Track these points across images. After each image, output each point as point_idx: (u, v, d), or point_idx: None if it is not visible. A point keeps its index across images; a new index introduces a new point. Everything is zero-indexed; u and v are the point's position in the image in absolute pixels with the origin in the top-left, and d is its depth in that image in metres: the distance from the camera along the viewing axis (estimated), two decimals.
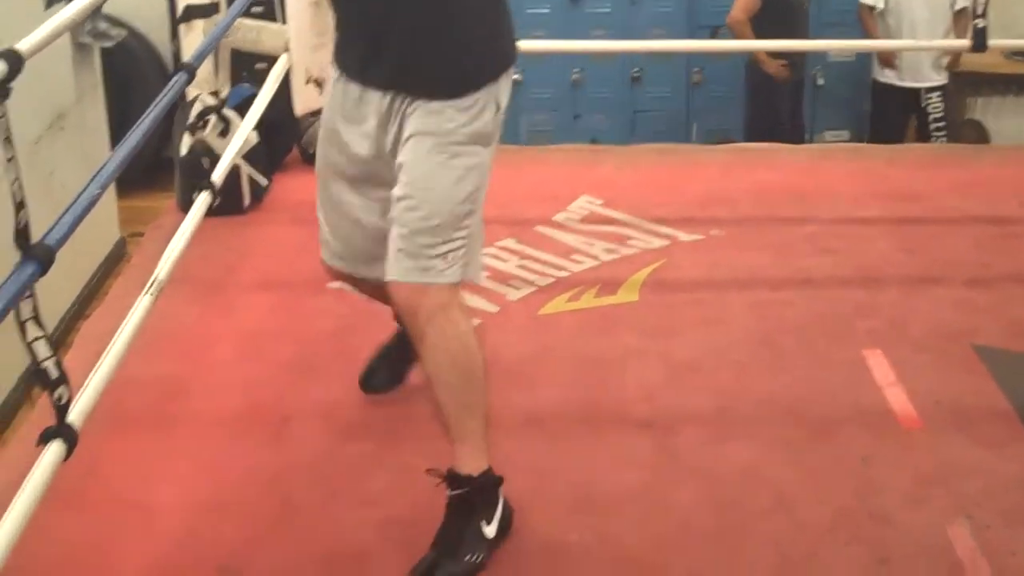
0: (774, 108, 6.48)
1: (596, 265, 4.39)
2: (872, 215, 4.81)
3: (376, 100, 2.80)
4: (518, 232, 4.53)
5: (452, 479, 2.81)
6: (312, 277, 4.20)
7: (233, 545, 2.95)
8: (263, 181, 4.88)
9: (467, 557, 2.79)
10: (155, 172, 5.68)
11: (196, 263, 3.79)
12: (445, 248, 2.69)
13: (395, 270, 2.72)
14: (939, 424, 3.43)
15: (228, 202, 4.41)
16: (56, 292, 4.09)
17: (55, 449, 2.41)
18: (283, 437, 3.38)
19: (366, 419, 3.45)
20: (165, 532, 2.99)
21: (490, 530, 2.83)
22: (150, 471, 3.23)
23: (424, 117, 2.72)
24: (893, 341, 3.85)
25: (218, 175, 3.77)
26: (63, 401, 2.45)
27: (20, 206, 2.31)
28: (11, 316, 2.28)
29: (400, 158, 2.74)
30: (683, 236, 4.60)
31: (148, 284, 3.01)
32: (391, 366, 3.48)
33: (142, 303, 2.95)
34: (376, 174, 2.88)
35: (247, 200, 4.82)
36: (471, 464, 2.81)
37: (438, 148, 2.70)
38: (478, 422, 2.80)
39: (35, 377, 2.41)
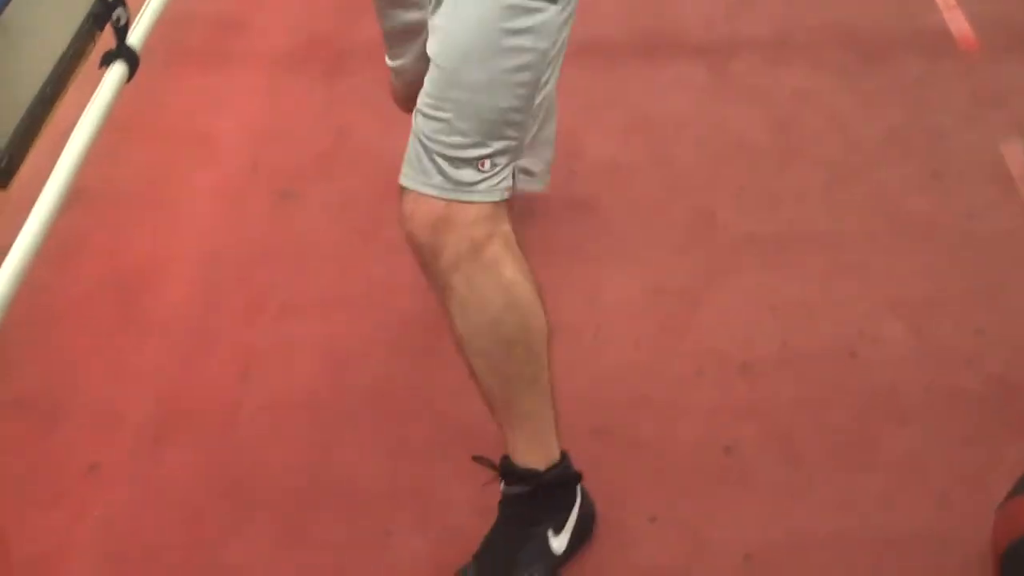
0: None
1: None
2: None
3: None
4: None
5: (508, 472, 2.00)
6: None
7: (293, 171, 3.02)
8: None
9: None
10: None
11: None
12: (483, 151, 1.75)
13: (409, 171, 1.79)
14: (997, 46, 3.40)
15: None
16: None
17: (117, 70, 2.43)
18: (337, 72, 3.40)
19: None
20: (228, 159, 3.07)
21: (559, 543, 2.05)
22: (212, 103, 3.28)
23: None
24: None
25: None
26: (122, 23, 2.46)
27: None
28: None
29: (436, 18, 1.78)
30: None
31: None
32: None
33: None
34: None
35: None
36: (533, 455, 1.99)
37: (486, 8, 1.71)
38: (538, 402, 1.95)
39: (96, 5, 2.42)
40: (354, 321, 2.59)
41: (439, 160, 1.74)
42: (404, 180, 1.79)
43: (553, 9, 1.74)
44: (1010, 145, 3.01)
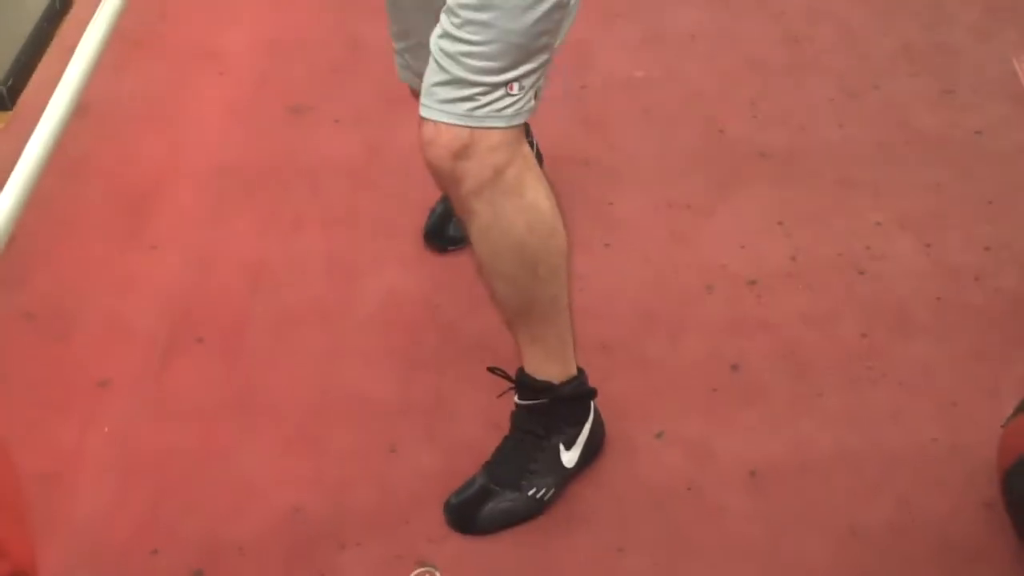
0: None
1: None
2: None
3: None
4: None
5: (524, 384, 2.02)
6: None
7: (304, 85, 3.01)
8: None
9: (531, 492, 2.04)
10: None
11: None
12: (511, 75, 1.71)
13: (431, 102, 1.74)
14: None
15: None
16: None
17: None
18: None
19: None
20: (238, 73, 3.05)
21: (569, 457, 2.07)
22: (219, 16, 3.26)
23: None
24: None
25: None
26: None
27: None
28: None
29: None
30: None
31: None
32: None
33: None
34: None
35: None
36: (549, 368, 2.00)
37: None
38: (558, 320, 1.96)
39: None
40: (364, 236, 2.59)
41: (466, 87, 1.70)
42: (425, 112, 1.74)
43: None
44: (1022, 60, 2.99)
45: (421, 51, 1.87)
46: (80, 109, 2.18)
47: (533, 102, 1.76)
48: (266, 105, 2.96)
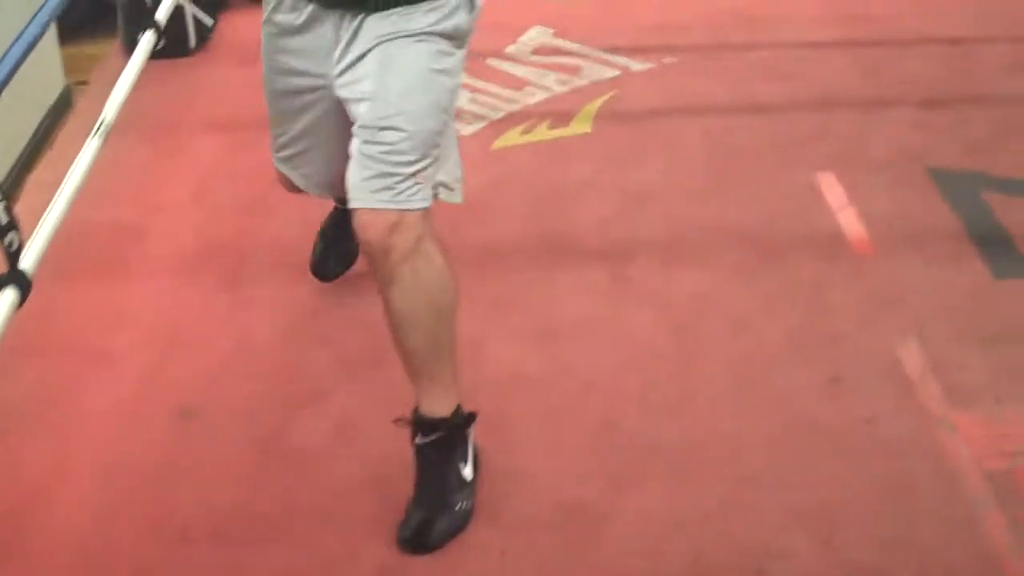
0: None
1: (549, 97, 4.35)
2: (827, 39, 4.77)
3: (328, 19, 2.44)
4: (469, 65, 4.40)
5: (424, 424, 2.52)
6: (262, 118, 4.15)
7: (192, 387, 2.97)
8: (208, 20, 4.78)
9: (458, 506, 2.54)
10: (99, 19, 5.53)
11: (143, 106, 3.75)
12: (419, 166, 2.34)
13: (358, 196, 2.35)
14: (891, 245, 3.46)
15: (173, 44, 4.33)
16: (1, 145, 4.00)
17: (8, 296, 2.39)
18: (238, 278, 3.38)
19: None
20: (124, 376, 3.01)
21: (468, 471, 2.58)
22: (107, 315, 3.23)
23: (387, 22, 2.37)
24: (847, 164, 3.86)
25: (162, 14, 3.69)
26: (14, 247, 2.43)
27: None
28: None
29: (363, 68, 2.39)
30: (635, 65, 4.55)
31: (95, 127, 2.96)
32: (337, 246, 3.22)
33: (90, 147, 2.90)
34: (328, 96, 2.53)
35: (193, 41, 4.73)
36: (442, 405, 2.52)
37: (409, 51, 2.37)
38: (451, 358, 2.51)
39: None
40: (256, 543, 2.52)
41: (388, 178, 2.32)
42: (357, 203, 2.34)
43: (459, 53, 2.46)
44: (907, 347, 3.05)
45: (308, 155, 2.70)
46: None
47: (432, 190, 2.40)
48: (154, 407, 2.91)
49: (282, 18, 2.52)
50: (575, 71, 4.52)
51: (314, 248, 3.24)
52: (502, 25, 4.85)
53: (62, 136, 4.23)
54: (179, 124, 4.23)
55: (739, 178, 3.81)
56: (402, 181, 2.32)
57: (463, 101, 4.25)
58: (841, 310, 3.21)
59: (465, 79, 4.28)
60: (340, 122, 2.51)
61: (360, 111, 2.38)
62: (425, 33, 2.38)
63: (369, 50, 2.38)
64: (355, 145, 2.36)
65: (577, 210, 3.67)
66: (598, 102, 4.29)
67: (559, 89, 4.39)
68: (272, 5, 2.54)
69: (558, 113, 4.22)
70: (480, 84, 4.40)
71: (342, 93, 2.44)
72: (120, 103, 3.09)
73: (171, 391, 2.95)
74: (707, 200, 3.71)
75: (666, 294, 3.28)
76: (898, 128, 4.09)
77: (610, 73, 4.50)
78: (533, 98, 4.34)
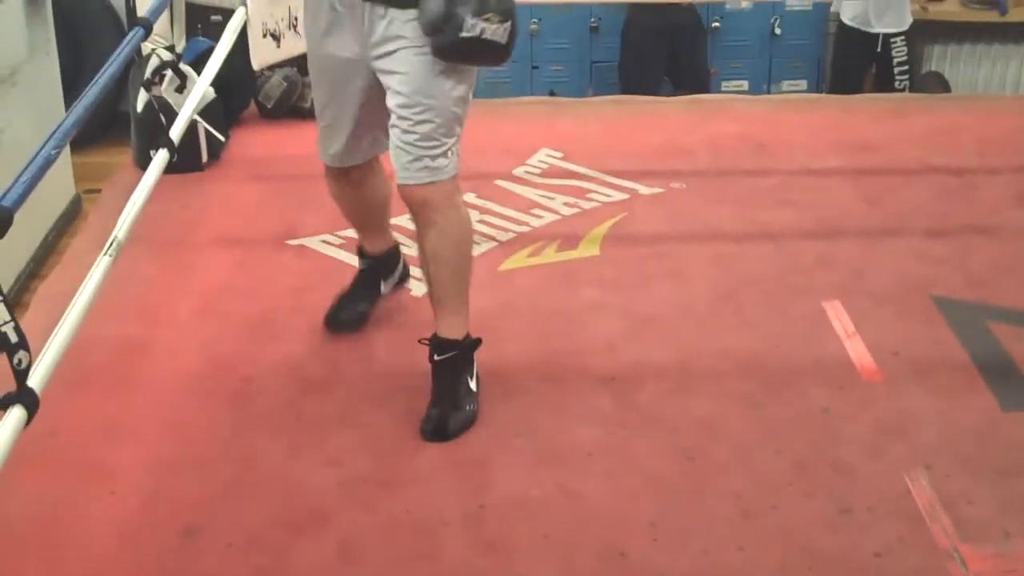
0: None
1: (557, 219, 4.38)
2: (831, 166, 4.82)
3: (358, 7, 3.03)
4: (478, 187, 4.51)
5: (441, 345, 3.20)
6: (272, 234, 4.21)
7: (195, 505, 2.94)
8: (221, 137, 4.83)
9: (467, 407, 3.20)
10: (110, 127, 5.61)
11: (154, 221, 3.77)
12: (447, 147, 3.04)
13: (405, 175, 3.06)
14: (898, 375, 3.45)
15: (185, 159, 4.37)
16: (10, 251, 4.03)
17: (16, 415, 2.39)
18: (244, 396, 3.37)
19: (327, 377, 3.45)
20: (128, 493, 2.99)
21: (474, 384, 3.25)
22: (112, 431, 3.21)
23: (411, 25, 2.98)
24: (853, 293, 3.87)
25: (176, 132, 3.73)
26: (23, 366, 2.42)
27: None
28: None
29: (394, 66, 3.02)
30: (643, 189, 4.59)
31: (107, 244, 2.96)
32: (355, 303, 3.66)
33: (101, 264, 2.91)
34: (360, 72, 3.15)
35: (205, 157, 4.78)
36: (458, 331, 3.20)
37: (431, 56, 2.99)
38: (466, 294, 3.20)
39: None
40: None
41: (425, 160, 3.03)
42: (402, 181, 3.07)
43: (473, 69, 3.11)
44: (915, 478, 3.03)
45: (333, 131, 3.30)
46: None
47: (456, 159, 3.09)
48: (156, 526, 2.88)
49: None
50: (583, 194, 4.56)
51: (335, 301, 3.67)
52: (511, 148, 4.92)
53: (72, 247, 4.25)
54: (189, 239, 4.25)
55: (746, 304, 3.82)
56: (435, 159, 3.03)
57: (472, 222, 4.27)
58: (849, 439, 3.19)
59: (473, 200, 4.38)
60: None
61: (395, 104, 3.04)
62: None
63: (398, 49, 3.01)
64: (395, 135, 3.05)
65: (584, 333, 3.67)
66: (606, 225, 4.32)
67: (567, 212, 4.43)
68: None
69: (566, 236, 4.24)
70: (489, 205, 4.44)
71: (378, 65, 3.07)
72: (132, 221, 3.10)
73: (174, 509, 2.93)
74: (714, 326, 3.71)
75: (673, 420, 3.27)
76: (903, 257, 4.11)
77: (618, 197, 4.54)
78: (541, 220, 4.37)
